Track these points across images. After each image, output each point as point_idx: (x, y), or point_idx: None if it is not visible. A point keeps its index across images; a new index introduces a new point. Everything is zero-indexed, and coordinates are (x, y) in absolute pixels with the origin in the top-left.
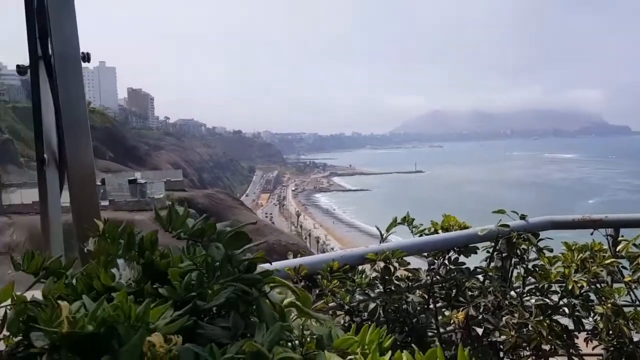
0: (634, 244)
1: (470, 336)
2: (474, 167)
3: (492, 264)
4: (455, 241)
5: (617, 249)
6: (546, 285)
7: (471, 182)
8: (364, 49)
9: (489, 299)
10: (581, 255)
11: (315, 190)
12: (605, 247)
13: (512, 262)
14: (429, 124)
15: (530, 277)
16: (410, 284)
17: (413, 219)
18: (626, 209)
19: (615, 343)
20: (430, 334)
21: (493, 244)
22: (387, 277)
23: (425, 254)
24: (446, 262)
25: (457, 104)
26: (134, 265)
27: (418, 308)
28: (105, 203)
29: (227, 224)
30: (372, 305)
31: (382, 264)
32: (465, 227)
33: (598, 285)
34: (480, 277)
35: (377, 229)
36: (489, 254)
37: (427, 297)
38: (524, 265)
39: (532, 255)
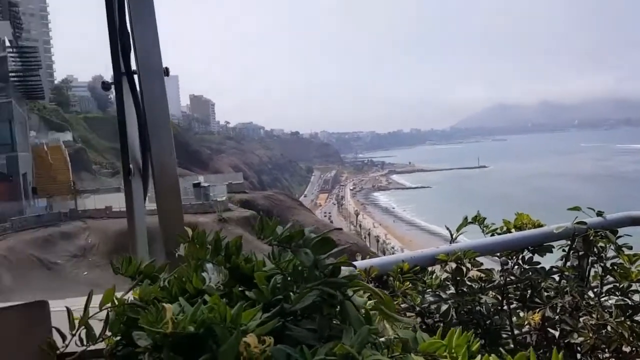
0: None
1: (546, 338)
2: (540, 161)
3: (569, 263)
4: (529, 240)
5: None
6: (626, 285)
7: (538, 176)
8: (423, 42)
9: (566, 300)
10: None
11: (374, 188)
12: None
13: (589, 260)
14: (491, 117)
15: (608, 277)
16: (483, 284)
17: (484, 218)
18: None
19: None
20: (504, 335)
21: (569, 242)
22: (459, 278)
23: (498, 254)
24: (520, 262)
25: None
26: (222, 269)
27: (492, 309)
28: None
29: (312, 230)
30: (444, 307)
31: (453, 265)
32: (540, 226)
33: None
34: (556, 277)
35: (447, 229)
36: (565, 253)
37: (500, 298)
38: (602, 264)
39: (610, 253)
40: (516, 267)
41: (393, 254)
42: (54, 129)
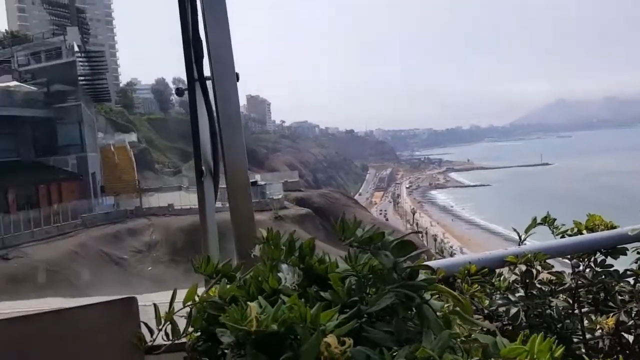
0: None
1: (620, 343)
2: (608, 157)
3: None
4: (601, 242)
5: None
6: None
7: (606, 174)
8: (481, 36)
9: None
10: None
11: (431, 186)
12: None
13: None
14: (554, 113)
15: None
16: (553, 287)
17: (554, 219)
18: None
19: None
20: (575, 340)
21: None
22: (528, 281)
23: (569, 256)
24: (592, 264)
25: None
26: (296, 270)
27: (562, 313)
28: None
29: (390, 232)
30: (513, 310)
31: (523, 267)
32: (613, 227)
33: None
34: (631, 280)
35: (515, 231)
36: None
37: (571, 301)
38: None
39: None
40: (588, 269)
41: (452, 253)
42: (119, 130)
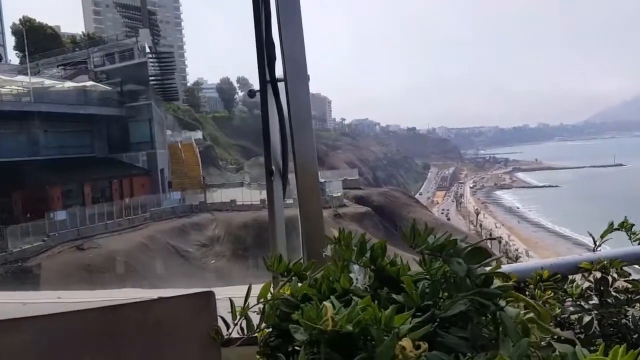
0: None
1: None
2: None
3: None
4: None
5: None
6: None
7: None
8: (552, 31)
9: None
10: None
11: (496, 187)
12: None
13: None
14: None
15: None
16: (630, 296)
17: (632, 224)
18: None
19: None
20: None
21: None
22: (603, 289)
23: None
24: None
25: None
26: (367, 271)
27: (639, 323)
28: (289, 201)
29: (463, 238)
30: (587, 318)
31: (598, 274)
32: None
33: None
34: None
35: (590, 235)
36: None
37: None
38: None
39: None
40: None
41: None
42: (186, 128)
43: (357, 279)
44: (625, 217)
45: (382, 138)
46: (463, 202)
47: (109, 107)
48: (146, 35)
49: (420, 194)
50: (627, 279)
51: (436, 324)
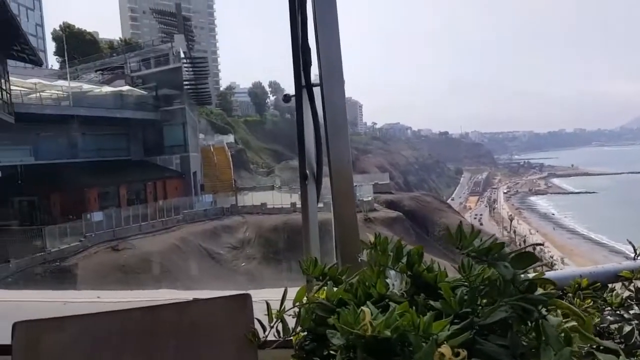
0: None
1: None
2: None
3: None
4: None
5: None
6: None
7: None
8: (587, 32)
9: None
10: None
11: (531, 192)
12: None
13: None
14: None
15: None
16: None
17: None
18: None
19: None
20: None
21: None
22: None
23: None
24: None
25: None
26: (403, 277)
27: None
28: (320, 205)
29: (507, 243)
30: (627, 328)
31: (639, 283)
32: None
33: None
34: None
35: (630, 243)
36: None
37: None
38: None
39: None
40: None
41: (552, 263)
42: (218, 132)
43: (393, 285)
44: None
45: (413, 142)
46: (496, 208)
47: (144, 111)
48: (181, 40)
49: (453, 199)
50: None
51: (475, 331)
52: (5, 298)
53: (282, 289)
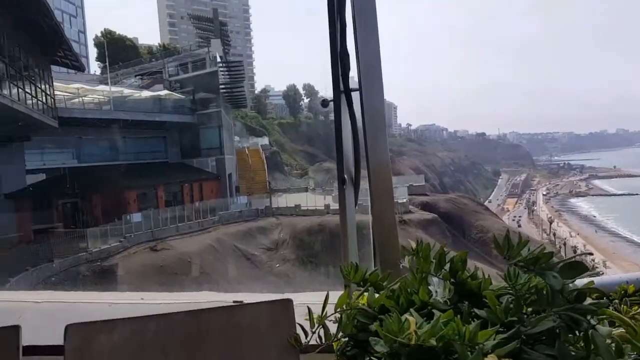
0: None
1: None
2: None
3: None
4: None
5: None
6: None
7: None
8: (630, 31)
9: None
10: None
11: (571, 194)
12: None
13: None
14: None
15: None
16: None
17: None
18: None
19: None
20: None
21: None
22: None
23: None
24: None
25: None
26: (447, 284)
27: None
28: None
29: (555, 252)
30: None
31: None
32: None
33: None
34: None
35: None
36: None
37: None
38: None
39: None
40: None
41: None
42: (253, 134)
43: (436, 292)
44: None
45: (449, 144)
46: (535, 210)
47: (181, 114)
48: (217, 45)
49: (490, 201)
50: None
51: (521, 340)
52: (55, 299)
53: (321, 293)
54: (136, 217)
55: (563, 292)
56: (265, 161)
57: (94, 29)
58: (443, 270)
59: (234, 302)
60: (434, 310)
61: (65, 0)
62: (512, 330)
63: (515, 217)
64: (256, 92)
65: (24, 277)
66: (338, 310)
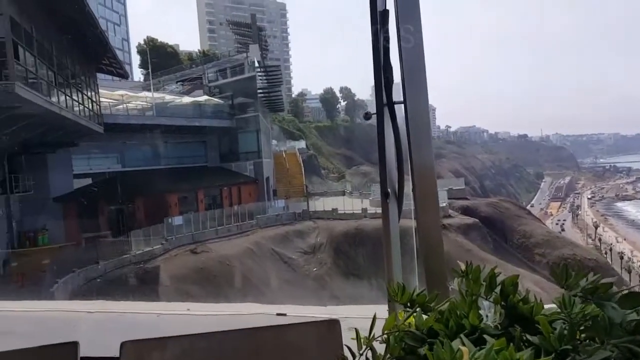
0: None
1: None
2: None
3: None
4: None
5: None
6: None
7: None
8: None
9: None
10: None
11: (618, 198)
12: None
13: None
14: None
15: None
16: None
17: None
18: None
19: None
20: None
21: None
22: None
23: None
24: None
25: None
26: (497, 308)
27: None
28: None
29: (615, 280)
30: None
31: None
32: None
33: None
34: None
35: None
36: None
37: None
38: None
39: None
40: None
41: None
42: (290, 138)
43: (486, 316)
44: None
45: (490, 146)
46: (580, 214)
47: (221, 119)
48: (255, 50)
49: (532, 205)
50: None
51: None
52: (106, 309)
53: (363, 306)
54: (177, 220)
55: (622, 323)
56: (302, 165)
57: (137, 36)
58: (494, 293)
59: (277, 314)
60: (485, 336)
61: (110, 9)
62: (567, 359)
63: (558, 221)
64: (293, 95)
65: (71, 278)
66: (386, 332)
